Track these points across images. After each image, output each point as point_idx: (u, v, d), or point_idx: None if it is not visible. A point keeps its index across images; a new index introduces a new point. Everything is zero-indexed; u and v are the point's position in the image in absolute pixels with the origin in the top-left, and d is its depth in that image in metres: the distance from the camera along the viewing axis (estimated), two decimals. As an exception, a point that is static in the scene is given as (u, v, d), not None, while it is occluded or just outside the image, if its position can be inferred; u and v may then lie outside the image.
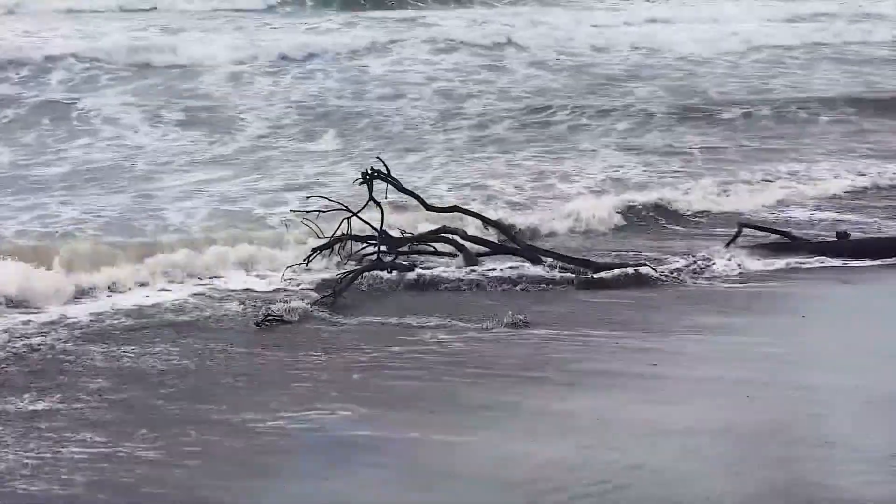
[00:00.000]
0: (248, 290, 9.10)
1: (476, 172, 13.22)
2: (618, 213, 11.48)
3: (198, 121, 15.82)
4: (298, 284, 9.20)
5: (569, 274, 9.33)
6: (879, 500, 5.08)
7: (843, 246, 9.83)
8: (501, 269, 9.53)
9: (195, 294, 8.94)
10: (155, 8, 27.06)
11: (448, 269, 9.53)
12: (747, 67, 21.31)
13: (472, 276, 9.41)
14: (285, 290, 9.08)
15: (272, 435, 6.13)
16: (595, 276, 9.22)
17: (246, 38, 22.22)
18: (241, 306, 8.60)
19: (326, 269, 9.47)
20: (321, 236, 9.51)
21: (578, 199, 11.81)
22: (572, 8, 29.54)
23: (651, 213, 11.65)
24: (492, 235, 10.20)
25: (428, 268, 9.54)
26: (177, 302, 8.72)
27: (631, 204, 11.71)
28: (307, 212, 9.50)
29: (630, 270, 9.26)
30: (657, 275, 9.22)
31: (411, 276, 9.37)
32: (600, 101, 17.60)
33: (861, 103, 17.53)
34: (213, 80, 18.63)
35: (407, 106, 17.09)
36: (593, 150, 14.45)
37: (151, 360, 7.35)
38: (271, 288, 9.15)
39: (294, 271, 9.35)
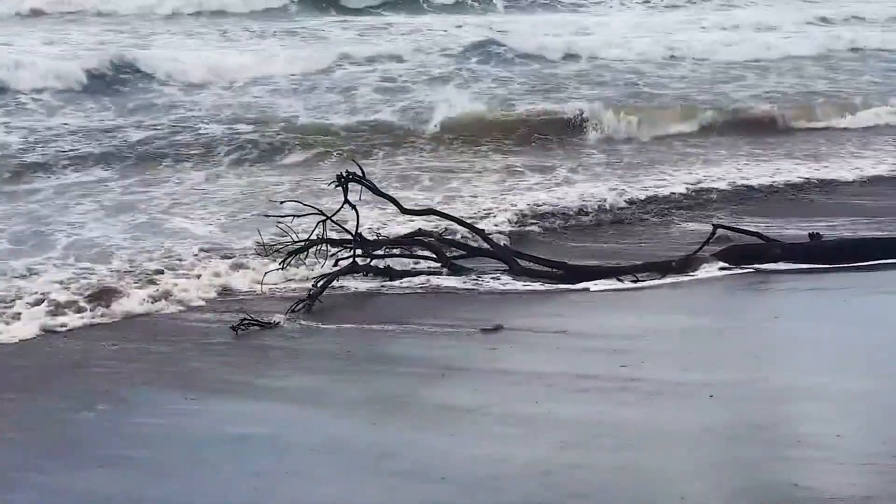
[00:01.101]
0: (226, 297, 9.11)
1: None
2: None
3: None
4: (278, 290, 9.20)
5: (545, 279, 9.39)
6: (853, 499, 5.12)
7: (816, 247, 9.88)
8: (476, 272, 9.57)
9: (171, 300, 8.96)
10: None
11: (425, 274, 9.57)
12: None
13: (448, 279, 9.46)
14: (264, 294, 9.07)
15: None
16: (577, 286, 9.23)
17: (216, 45, 21.99)
18: (217, 313, 8.62)
19: (305, 279, 9.44)
20: (296, 241, 9.50)
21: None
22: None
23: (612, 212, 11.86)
24: (468, 238, 10.24)
25: (406, 272, 9.57)
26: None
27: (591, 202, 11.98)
28: (281, 216, 9.49)
29: (614, 282, 9.30)
30: (636, 279, 9.27)
31: (389, 280, 9.41)
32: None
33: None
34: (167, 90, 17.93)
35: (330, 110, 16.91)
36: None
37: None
38: (250, 294, 9.15)
39: (272, 278, 9.34)
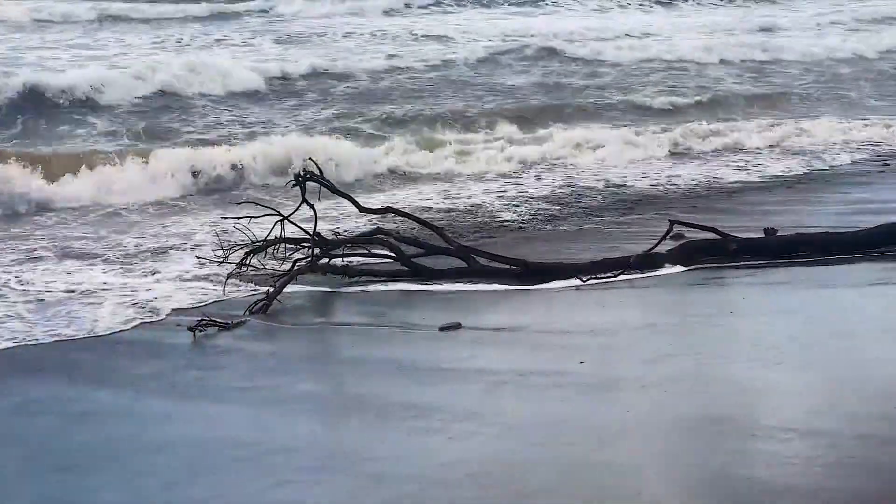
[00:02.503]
0: (183, 298, 9.06)
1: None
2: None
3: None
4: (237, 291, 9.17)
5: (503, 277, 9.41)
6: (806, 491, 5.17)
7: (772, 242, 9.97)
8: (434, 271, 9.58)
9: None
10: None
11: (384, 272, 9.56)
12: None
13: (407, 278, 9.47)
14: (222, 295, 9.04)
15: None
16: (539, 287, 9.24)
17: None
18: (174, 314, 8.58)
19: (260, 283, 9.41)
20: (255, 241, 9.47)
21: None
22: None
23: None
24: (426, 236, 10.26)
25: (365, 271, 9.55)
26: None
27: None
28: (238, 218, 9.46)
29: (574, 281, 9.31)
30: (594, 276, 9.30)
31: (348, 279, 9.41)
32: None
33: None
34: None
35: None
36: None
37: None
38: (208, 294, 9.11)
39: (235, 281, 9.30)
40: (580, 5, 32.66)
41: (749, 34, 27.63)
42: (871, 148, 16.76)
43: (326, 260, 9.55)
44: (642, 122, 18.20)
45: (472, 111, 18.29)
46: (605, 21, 29.57)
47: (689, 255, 9.75)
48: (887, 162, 15.55)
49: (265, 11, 29.20)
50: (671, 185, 14.30)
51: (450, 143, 16.02)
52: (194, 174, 13.78)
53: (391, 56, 22.42)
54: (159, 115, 17.30)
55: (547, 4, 32.32)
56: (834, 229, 10.20)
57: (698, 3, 33.74)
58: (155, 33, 24.88)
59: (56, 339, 8.05)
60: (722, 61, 23.81)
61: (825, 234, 10.05)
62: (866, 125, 18.26)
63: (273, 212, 9.45)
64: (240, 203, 9.98)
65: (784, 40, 26.65)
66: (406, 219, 10.63)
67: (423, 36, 25.24)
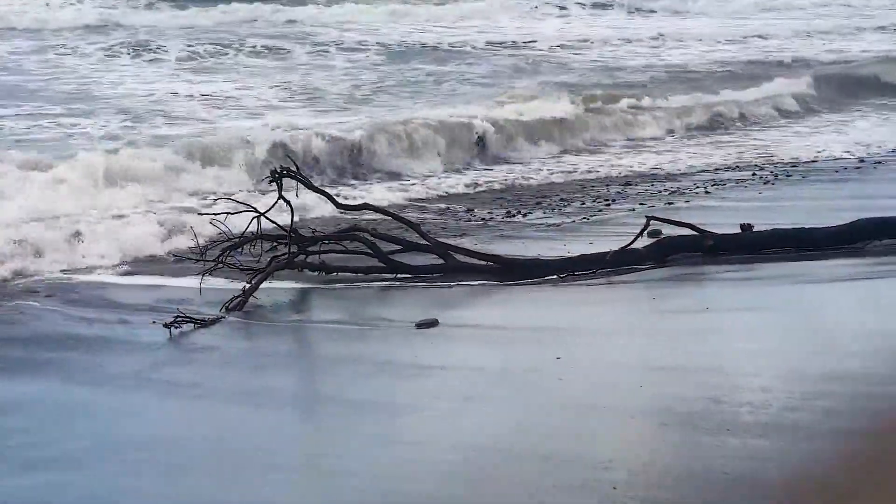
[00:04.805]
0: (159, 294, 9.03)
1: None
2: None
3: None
4: (215, 288, 9.13)
5: (480, 274, 9.41)
6: (780, 486, 5.19)
7: (748, 238, 10.00)
8: (411, 267, 9.57)
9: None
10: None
11: (361, 269, 9.54)
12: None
13: (383, 274, 9.45)
14: (198, 291, 9.00)
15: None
16: (516, 283, 9.23)
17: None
18: (149, 310, 8.55)
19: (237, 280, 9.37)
20: (230, 237, 9.43)
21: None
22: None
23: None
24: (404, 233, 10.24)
25: (341, 268, 9.53)
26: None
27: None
28: (215, 214, 9.42)
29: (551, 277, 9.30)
30: (571, 273, 9.31)
31: (325, 276, 9.39)
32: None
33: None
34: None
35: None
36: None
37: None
38: (184, 291, 9.08)
39: (211, 277, 9.27)
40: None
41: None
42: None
43: (303, 257, 9.52)
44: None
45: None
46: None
47: (666, 251, 9.77)
48: (863, 159, 15.62)
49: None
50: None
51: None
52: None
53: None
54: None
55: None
56: (810, 225, 10.23)
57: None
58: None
59: (24, 335, 8.01)
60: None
61: (801, 230, 10.08)
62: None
63: (249, 208, 9.42)
64: (216, 199, 9.95)
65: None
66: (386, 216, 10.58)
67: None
